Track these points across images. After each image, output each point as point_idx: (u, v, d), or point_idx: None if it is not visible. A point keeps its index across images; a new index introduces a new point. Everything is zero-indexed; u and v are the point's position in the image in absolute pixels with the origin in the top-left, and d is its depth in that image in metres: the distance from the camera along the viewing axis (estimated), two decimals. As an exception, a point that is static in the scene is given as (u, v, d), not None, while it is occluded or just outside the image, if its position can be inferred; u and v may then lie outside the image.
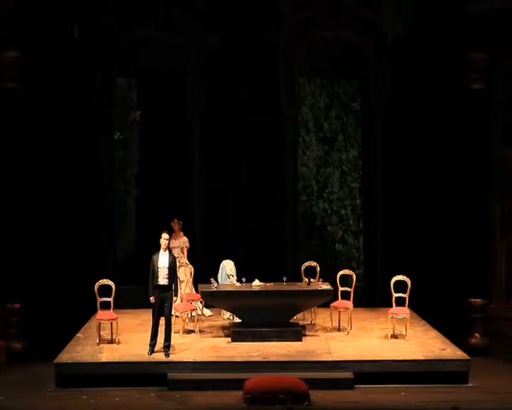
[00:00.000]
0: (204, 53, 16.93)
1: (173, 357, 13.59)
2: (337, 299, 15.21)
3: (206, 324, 15.52)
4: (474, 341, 15.81)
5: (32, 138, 15.94)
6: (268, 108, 17.01)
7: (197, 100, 17.10)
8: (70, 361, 13.47)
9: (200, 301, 15.48)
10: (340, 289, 15.26)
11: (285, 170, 17.36)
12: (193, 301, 15.42)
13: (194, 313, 14.96)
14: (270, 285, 14.85)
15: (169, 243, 13.89)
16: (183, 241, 15.92)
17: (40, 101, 16.01)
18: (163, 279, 13.58)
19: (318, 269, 15.84)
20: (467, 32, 15.84)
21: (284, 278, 14.94)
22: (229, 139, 17.10)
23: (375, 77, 17.33)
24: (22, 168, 15.83)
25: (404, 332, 14.71)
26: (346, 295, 15.20)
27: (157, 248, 13.73)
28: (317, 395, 12.57)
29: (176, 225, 15.85)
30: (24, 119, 15.83)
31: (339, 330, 15.12)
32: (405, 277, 14.72)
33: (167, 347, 13.64)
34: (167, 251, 13.73)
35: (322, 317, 15.51)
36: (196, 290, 15.56)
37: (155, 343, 13.69)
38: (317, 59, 17.36)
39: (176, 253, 15.16)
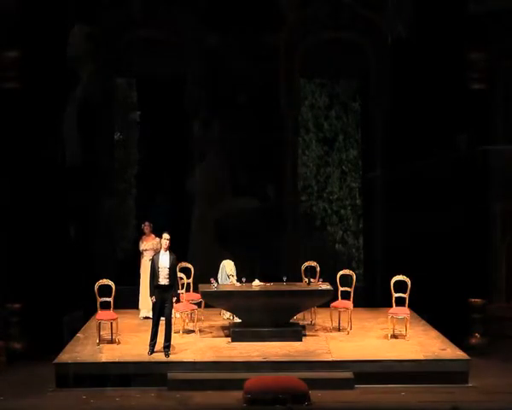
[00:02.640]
0: (204, 53, 16.93)
1: (173, 357, 13.59)
2: (337, 299, 15.21)
3: (206, 324, 15.51)
4: (474, 341, 15.80)
5: (31, 138, 15.93)
6: (268, 108, 17.02)
7: (197, 100, 17.09)
8: (70, 361, 13.46)
9: None
10: (340, 289, 15.25)
11: (285, 170, 17.36)
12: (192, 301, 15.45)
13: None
14: (270, 285, 14.85)
15: (169, 243, 13.86)
16: (156, 242, 15.78)
17: (40, 101, 16.00)
18: (164, 279, 13.59)
19: (318, 269, 15.83)
20: (467, 32, 15.85)
21: (284, 278, 14.94)
22: (229, 139, 17.09)
23: (375, 77, 17.34)
24: (22, 168, 15.82)
25: (404, 332, 14.71)
26: (346, 295, 15.20)
27: (157, 248, 13.77)
28: (316, 395, 12.56)
29: (147, 228, 15.93)
30: (24, 119, 15.83)
31: (339, 330, 15.12)
32: (405, 277, 14.72)
33: (167, 347, 13.63)
34: (168, 251, 13.73)
35: (322, 317, 15.50)
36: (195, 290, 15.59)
37: (155, 343, 13.69)
38: (317, 59, 17.34)
39: (149, 255, 15.22)
